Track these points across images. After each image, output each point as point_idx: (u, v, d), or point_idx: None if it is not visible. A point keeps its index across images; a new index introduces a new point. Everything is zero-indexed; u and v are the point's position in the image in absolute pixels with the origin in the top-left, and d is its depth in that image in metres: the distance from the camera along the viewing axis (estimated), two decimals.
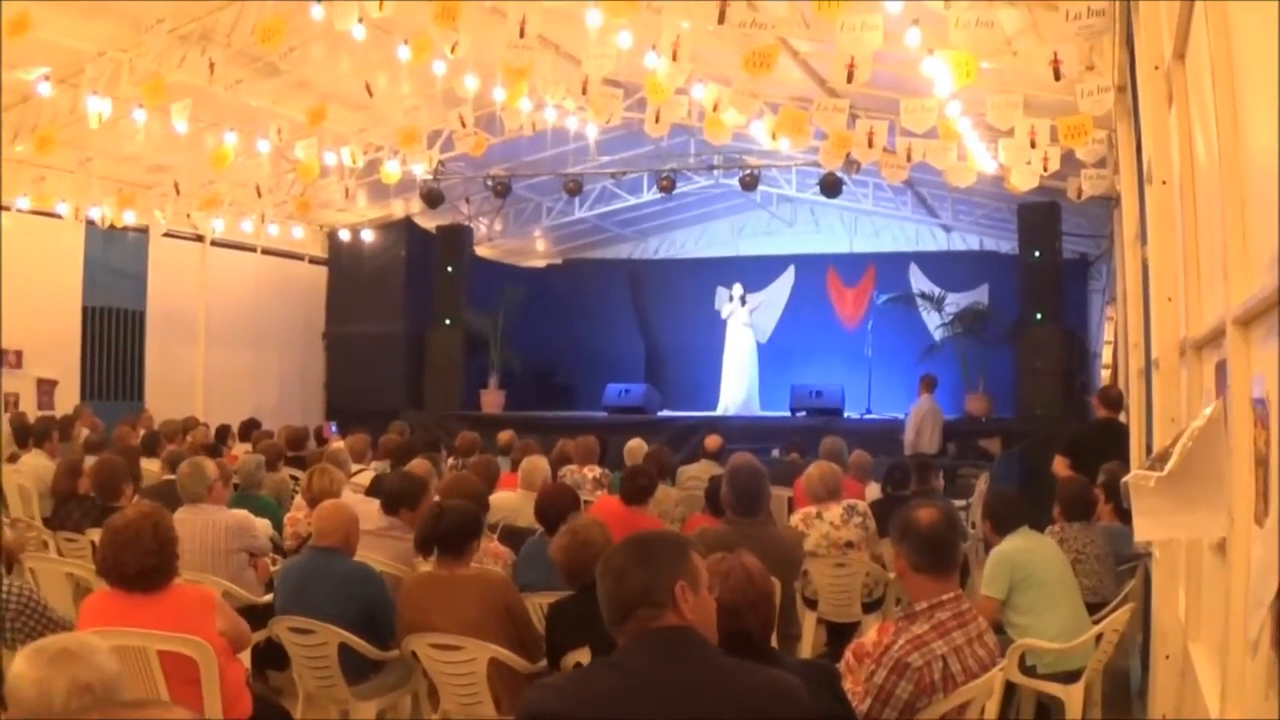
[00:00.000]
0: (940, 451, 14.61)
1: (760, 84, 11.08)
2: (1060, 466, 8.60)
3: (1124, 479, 3.51)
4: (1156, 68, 4.50)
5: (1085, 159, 11.41)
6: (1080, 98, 8.88)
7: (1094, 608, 6.08)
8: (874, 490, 9.42)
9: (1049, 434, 13.45)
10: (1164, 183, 4.55)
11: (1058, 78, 8.68)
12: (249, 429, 13.21)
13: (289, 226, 18.69)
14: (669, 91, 11.36)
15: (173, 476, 7.69)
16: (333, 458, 8.83)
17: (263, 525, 7.22)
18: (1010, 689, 5.20)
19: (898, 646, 3.92)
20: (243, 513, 6.95)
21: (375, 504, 6.71)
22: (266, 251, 19.00)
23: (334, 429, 15.26)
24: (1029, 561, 5.75)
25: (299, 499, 7.78)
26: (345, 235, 19.92)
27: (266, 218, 17.37)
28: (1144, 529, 3.06)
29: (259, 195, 15.43)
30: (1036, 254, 16.27)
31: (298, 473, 9.74)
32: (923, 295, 19.31)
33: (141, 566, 4.39)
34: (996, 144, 11.03)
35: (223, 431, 13.05)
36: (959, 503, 11.20)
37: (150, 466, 9.82)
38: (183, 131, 11.87)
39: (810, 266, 21.54)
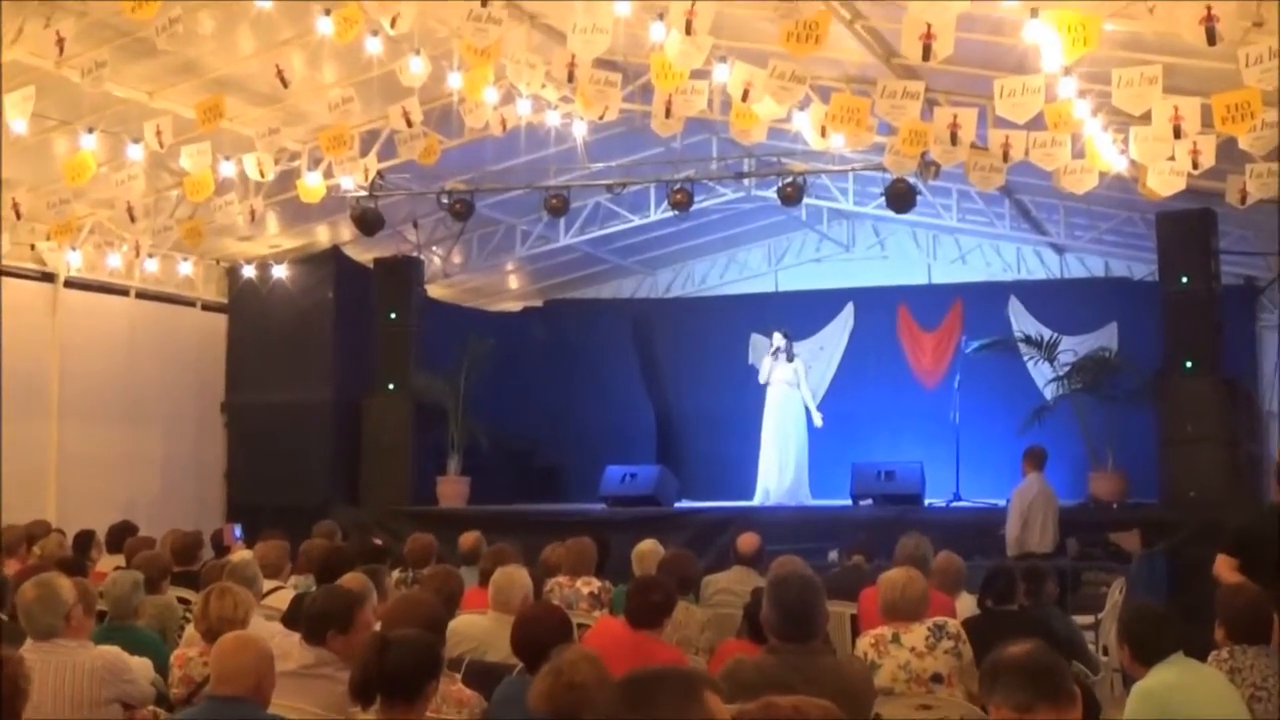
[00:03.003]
0: (1056, 550, 14.51)
1: (805, 62, 11.12)
2: (1225, 569, 8.51)
3: None
4: None
5: (1251, 150, 11.37)
6: (1244, 66, 8.88)
7: None
8: (967, 604, 9.37)
9: (1207, 525, 13.32)
10: None
11: (1212, 41, 8.67)
12: (121, 536, 13.12)
13: (174, 261, 18.71)
14: (682, 76, 11.40)
15: None
16: (237, 573, 8.76)
17: (141, 667, 7.15)
18: None
19: None
20: (113, 651, 6.87)
21: (296, 636, 6.64)
22: (143, 295, 18.98)
23: (238, 534, 15.17)
24: (1187, 702, 5.68)
25: (190, 630, 7.71)
26: (250, 272, 19.94)
27: (143, 249, 17.32)
28: None
29: (132, 219, 15.40)
30: (1183, 280, 16.25)
31: (189, 594, 9.65)
32: (1027, 340, 19.22)
33: None
34: (1126, 134, 11.03)
35: (84, 540, 12.97)
36: (1083, 619, 11.11)
37: None
38: (21, 131, 11.89)
39: (875, 304, 21.58)
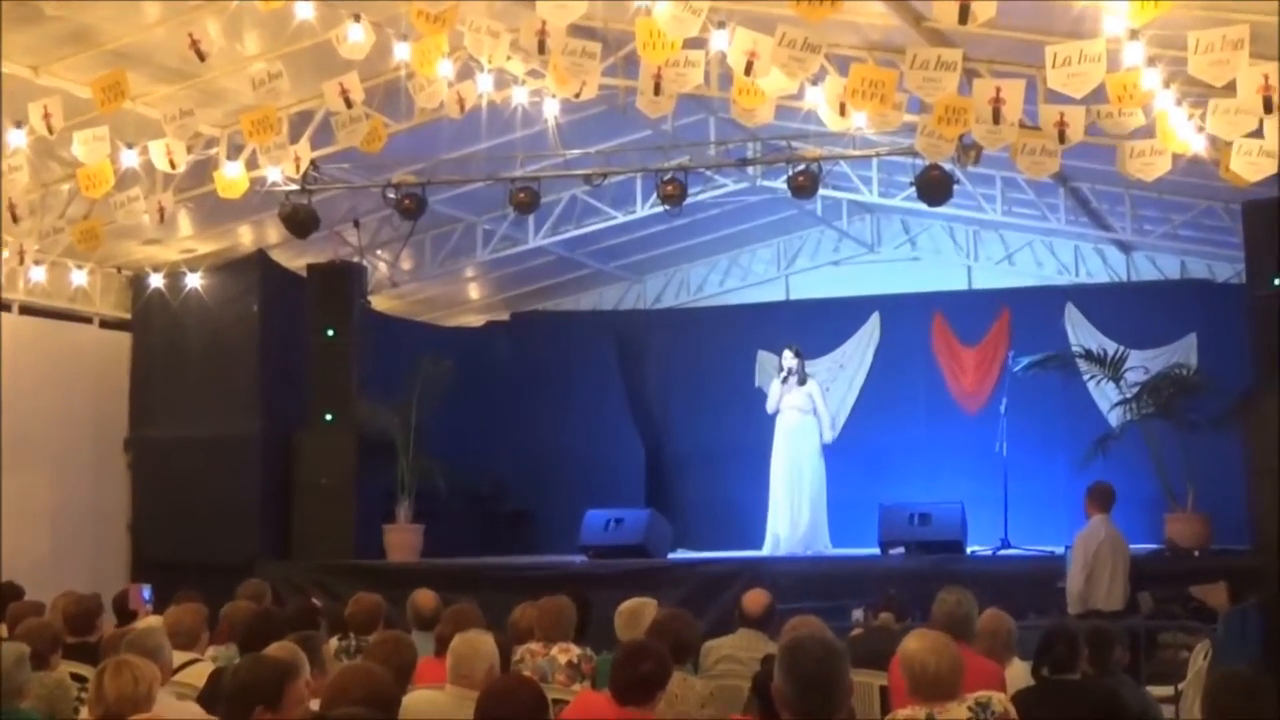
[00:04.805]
0: (1127, 607, 14.51)
1: (820, 28, 11.12)
2: None
3: None
4: None
5: None
6: None
7: None
8: (1019, 672, 9.35)
9: None
10: None
11: None
12: (3, 601, 13.11)
13: (65, 269, 18.66)
14: (674, 45, 11.41)
15: None
16: (142, 643, 8.72)
17: None
18: None
19: None
20: None
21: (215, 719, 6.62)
22: (28, 310, 18.92)
23: (147, 596, 15.12)
24: None
25: (86, 715, 7.67)
26: (159, 282, 19.91)
27: (27, 256, 17.23)
28: None
29: (14, 219, 15.38)
30: (1275, 282, 16.29)
31: (84, 669, 9.63)
32: (1088, 356, 19.28)
33: None
34: (1204, 109, 11.03)
35: None
36: (1160, 690, 11.11)
37: None
38: None
39: (905, 314, 21.67)
